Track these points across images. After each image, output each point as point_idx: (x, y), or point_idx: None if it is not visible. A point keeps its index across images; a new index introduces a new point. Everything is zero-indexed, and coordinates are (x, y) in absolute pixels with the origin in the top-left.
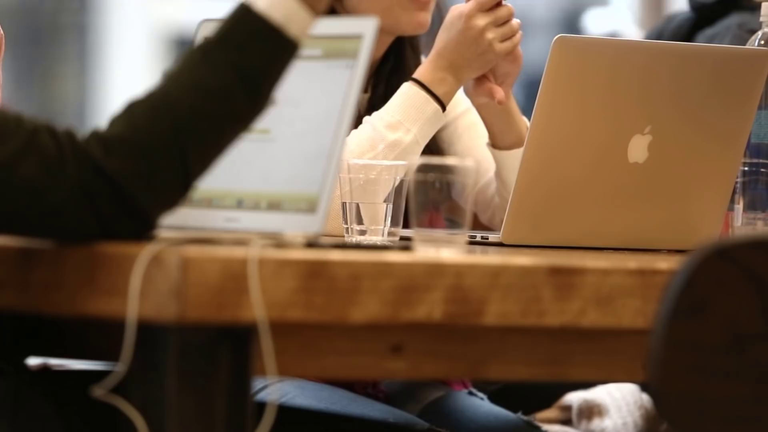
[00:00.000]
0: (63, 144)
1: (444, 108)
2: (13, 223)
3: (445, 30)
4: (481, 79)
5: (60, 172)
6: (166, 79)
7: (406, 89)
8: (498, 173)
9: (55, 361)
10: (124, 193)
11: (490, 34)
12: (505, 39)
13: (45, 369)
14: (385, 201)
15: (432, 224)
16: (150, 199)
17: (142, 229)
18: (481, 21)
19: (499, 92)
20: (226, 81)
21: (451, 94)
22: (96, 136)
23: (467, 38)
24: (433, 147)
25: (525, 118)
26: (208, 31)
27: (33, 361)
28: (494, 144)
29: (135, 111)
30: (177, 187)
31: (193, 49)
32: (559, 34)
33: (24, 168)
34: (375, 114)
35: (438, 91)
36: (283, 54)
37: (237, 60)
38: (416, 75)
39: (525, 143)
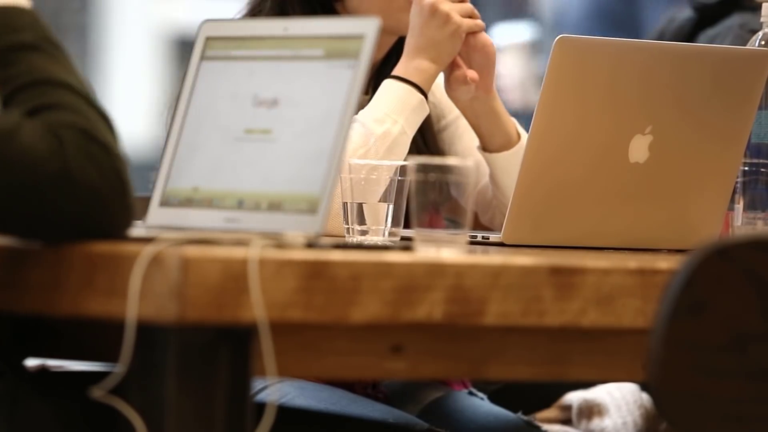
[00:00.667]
0: (51, 120)
1: (426, 96)
2: (18, 195)
3: (410, 23)
4: (452, 68)
5: (57, 142)
6: (17, 82)
7: (387, 85)
8: (491, 176)
9: (53, 363)
10: (108, 146)
11: (445, 6)
12: (465, 16)
13: (43, 370)
14: (386, 201)
15: (432, 224)
16: (116, 142)
17: (125, 171)
18: None
19: (471, 72)
20: (45, 51)
21: (431, 79)
22: (48, 123)
23: (425, 16)
24: (434, 147)
25: (514, 119)
26: (209, 31)
27: (31, 363)
28: (484, 147)
29: (28, 102)
30: (109, 120)
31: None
32: None
33: (22, 138)
34: (361, 112)
35: (416, 80)
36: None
37: (36, 33)
38: (394, 72)
39: (526, 143)
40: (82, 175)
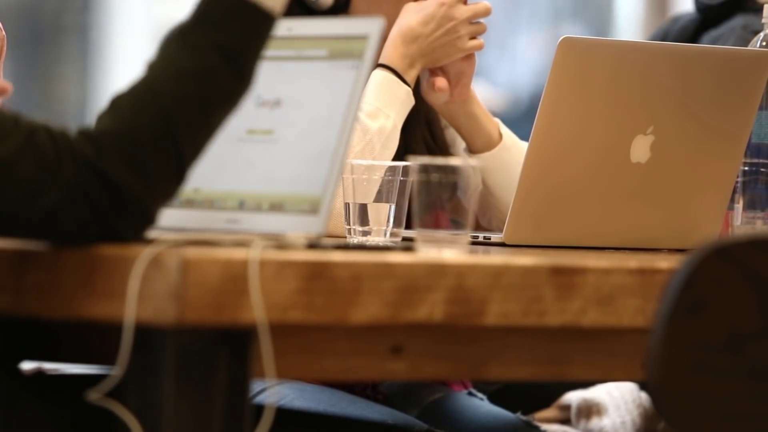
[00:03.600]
0: (59, 144)
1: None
2: (10, 224)
3: (420, 11)
4: (428, 72)
5: (56, 172)
6: (148, 69)
7: (378, 77)
8: None
9: (49, 365)
10: (120, 190)
11: (463, 29)
12: (472, 37)
13: (39, 373)
14: (387, 201)
15: (437, 224)
16: (147, 192)
17: (142, 225)
18: (460, 13)
19: (440, 81)
20: (207, 62)
21: (416, 76)
22: (84, 134)
23: (443, 28)
24: (442, 143)
25: (498, 120)
26: None
27: (27, 366)
28: (468, 148)
29: (120, 104)
30: (172, 176)
31: (170, 34)
32: None
33: (20, 167)
34: None
35: (408, 78)
36: (261, 27)
37: (216, 39)
38: (386, 60)
39: (529, 143)
40: (72, 222)
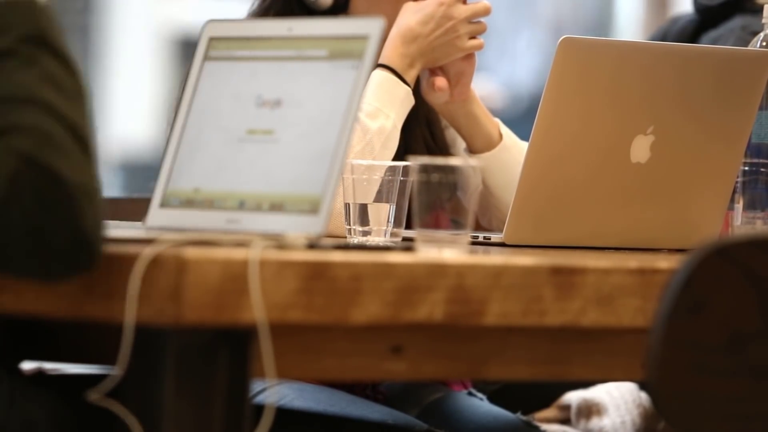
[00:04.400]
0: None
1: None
2: None
3: (419, 11)
4: (428, 72)
5: None
6: None
7: (378, 77)
8: None
9: (50, 365)
10: (55, 175)
11: (463, 29)
12: (472, 36)
13: (39, 373)
14: (387, 201)
15: (437, 224)
16: (88, 159)
17: (76, 201)
18: (460, 13)
19: (440, 81)
20: (22, 54)
21: (416, 75)
22: (18, 127)
23: (442, 27)
24: (442, 144)
25: (498, 120)
26: (212, 31)
27: (27, 366)
28: (468, 148)
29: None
30: (87, 140)
31: None
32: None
33: None
34: None
35: (408, 78)
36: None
37: (18, 33)
38: (385, 60)
39: (529, 143)
40: (15, 207)
